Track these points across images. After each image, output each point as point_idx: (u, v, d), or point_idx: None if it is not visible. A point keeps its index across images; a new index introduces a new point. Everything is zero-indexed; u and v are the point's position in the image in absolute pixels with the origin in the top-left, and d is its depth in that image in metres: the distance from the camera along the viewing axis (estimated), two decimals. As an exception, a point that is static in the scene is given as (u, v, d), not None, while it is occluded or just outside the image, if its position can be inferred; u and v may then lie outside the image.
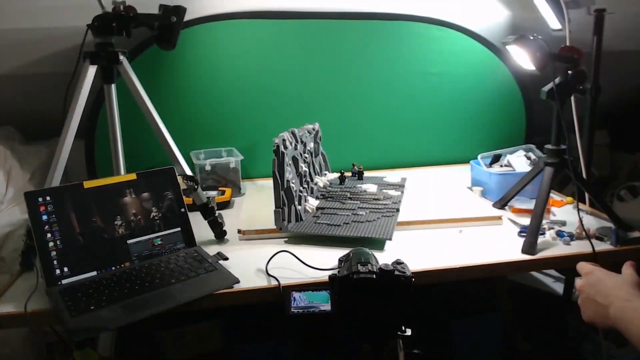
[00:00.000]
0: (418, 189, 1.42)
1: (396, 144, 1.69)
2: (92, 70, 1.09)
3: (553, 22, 1.44)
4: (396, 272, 0.71)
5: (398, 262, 0.74)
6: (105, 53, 1.09)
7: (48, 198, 0.95)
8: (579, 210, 1.10)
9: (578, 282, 0.73)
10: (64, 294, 0.89)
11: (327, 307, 0.74)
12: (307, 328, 0.97)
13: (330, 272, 0.96)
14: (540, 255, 1.03)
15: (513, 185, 1.27)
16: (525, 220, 1.14)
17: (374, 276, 0.71)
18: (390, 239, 1.05)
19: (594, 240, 1.07)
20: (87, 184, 0.99)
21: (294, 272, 0.97)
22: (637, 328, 0.61)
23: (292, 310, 0.74)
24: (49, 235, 0.93)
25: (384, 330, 0.71)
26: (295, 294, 0.77)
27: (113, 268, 0.98)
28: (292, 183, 1.15)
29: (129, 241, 1.01)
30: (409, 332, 0.70)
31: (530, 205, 1.14)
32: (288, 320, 0.99)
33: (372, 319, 0.71)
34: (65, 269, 0.94)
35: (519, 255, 1.03)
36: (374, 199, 1.31)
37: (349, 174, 1.49)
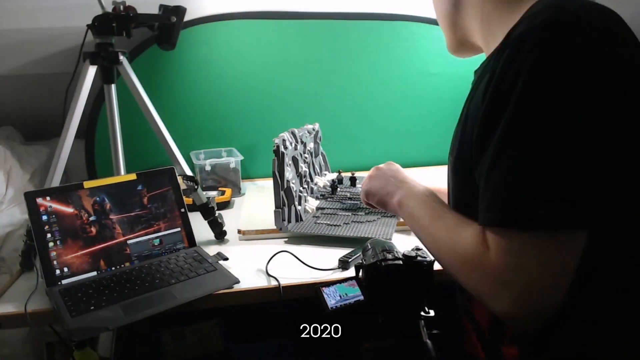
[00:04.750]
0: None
1: (396, 144, 1.69)
2: (92, 71, 1.09)
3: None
4: (418, 258, 0.75)
5: (417, 249, 0.78)
6: (106, 53, 1.09)
7: (48, 198, 0.95)
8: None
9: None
10: (64, 294, 0.89)
11: (359, 296, 0.77)
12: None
13: (331, 272, 0.97)
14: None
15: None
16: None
17: (401, 262, 0.74)
18: (390, 239, 1.05)
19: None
20: (87, 184, 0.99)
21: (294, 272, 0.97)
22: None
23: (331, 306, 0.75)
24: (49, 235, 0.93)
25: (409, 313, 0.73)
26: (326, 289, 0.78)
27: (113, 268, 0.98)
28: (292, 183, 1.15)
29: (129, 241, 1.01)
30: (431, 312, 0.73)
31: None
32: (288, 320, 0.99)
33: (398, 304, 0.75)
34: (65, 269, 0.94)
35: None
36: (374, 199, 1.31)
37: (348, 174, 1.47)
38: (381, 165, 0.93)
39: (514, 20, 0.67)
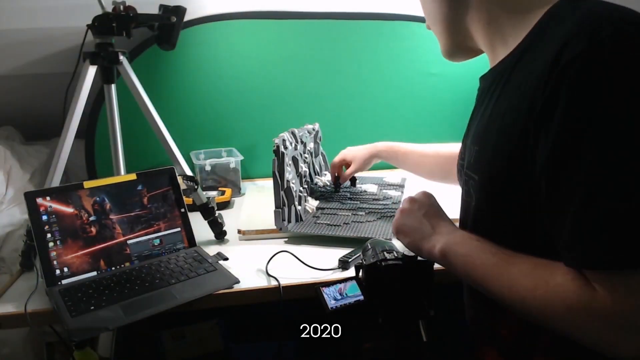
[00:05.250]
0: (418, 189, 1.41)
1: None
2: (92, 71, 1.09)
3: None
4: (419, 258, 0.75)
5: None
6: (106, 53, 1.09)
7: (48, 198, 0.95)
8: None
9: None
10: (64, 294, 0.89)
11: (359, 297, 0.76)
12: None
13: (331, 272, 0.97)
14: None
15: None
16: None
17: (401, 262, 0.74)
18: (390, 239, 1.05)
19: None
20: (87, 184, 0.99)
21: (294, 272, 0.97)
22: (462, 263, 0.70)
23: (331, 306, 0.75)
24: (49, 235, 0.93)
25: (409, 313, 0.74)
26: (326, 289, 0.78)
27: (113, 268, 0.98)
28: (292, 183, 1.15)
29: (129, 241, 1.01)
30: (432, 312, 0.74)
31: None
32: (288, 320, 0.99)
33: (398, 304, 0.75)
34: (65, 269, 0.94)
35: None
36: (374, 199, 1.31)
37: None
38: (416, 197, 0.85)
39: (528, 26, 0.64)
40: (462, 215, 0.79)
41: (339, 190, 1.37)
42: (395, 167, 1.67)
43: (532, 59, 0.62)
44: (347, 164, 1.36)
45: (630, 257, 0.52)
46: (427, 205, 0.82)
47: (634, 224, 0.52)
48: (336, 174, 1.38)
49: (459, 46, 0.79)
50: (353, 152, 1.35)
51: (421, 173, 1.27)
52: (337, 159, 1.37)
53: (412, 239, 0.80)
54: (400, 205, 0.86)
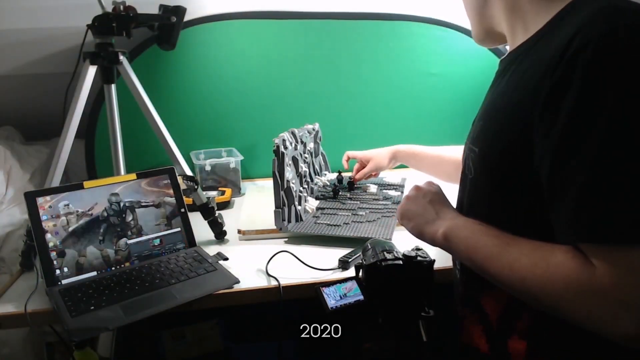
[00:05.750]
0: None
1: (396, 143, 1.68)
2: (92, 71, 1.09)
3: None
4: (418, 258, 0.75)
5: (417, 249, 0.78)
6: (106, 53, 1.09)
7: (48, 198, 0.95)
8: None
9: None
10: (64, 294, 0.89)
11: (360, 297, 0.76)
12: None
13: (331, 272, 0.97)
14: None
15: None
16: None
17: (401, 262, 0.74)
18: (390, 239, 1.05)
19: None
20: (87, 184, 0.99)
21: (294, 272, 0.97)
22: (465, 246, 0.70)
23: (331, 306, 0.75)
24: (49, 235, 0.93)
25: (409, 313, 0.74)
26: (326, 289, 0.78)
27: (113, 268, 0.98)
28: (292, 183, 1.15)
29: (129, 241, 1.01)
30: (431, 312, 0.74)
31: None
32: (288, 320, 0.99)
33: (398, 304, 0.75)
34: (65, 269, 0.94)
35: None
36: (374, 199, 1.31)
37: (348, 174, 1.47)
38: (421, 185, 0.85)
39: (550, 14, 0.66)
40: (460, 193, 0.81)
41: (337, 196, 1.35)
42: (395, 168, 1.67)
43: (546, 43, 0.63)
44: (365, 165, 1.42)
45: (631, 233, 0.52)
46: (432, 193, 0.83)
47: (636, 201, 0.52)
48: (335, 178, 1.43)
49: (487, 32, 0.82)
50: (373, 153, 1.41)
51: (438, 175, 1.28)
52: (357, 164, 1.44)
53: (415, 223, 0.81)
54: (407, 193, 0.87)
